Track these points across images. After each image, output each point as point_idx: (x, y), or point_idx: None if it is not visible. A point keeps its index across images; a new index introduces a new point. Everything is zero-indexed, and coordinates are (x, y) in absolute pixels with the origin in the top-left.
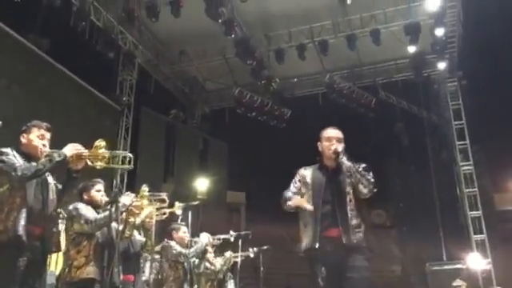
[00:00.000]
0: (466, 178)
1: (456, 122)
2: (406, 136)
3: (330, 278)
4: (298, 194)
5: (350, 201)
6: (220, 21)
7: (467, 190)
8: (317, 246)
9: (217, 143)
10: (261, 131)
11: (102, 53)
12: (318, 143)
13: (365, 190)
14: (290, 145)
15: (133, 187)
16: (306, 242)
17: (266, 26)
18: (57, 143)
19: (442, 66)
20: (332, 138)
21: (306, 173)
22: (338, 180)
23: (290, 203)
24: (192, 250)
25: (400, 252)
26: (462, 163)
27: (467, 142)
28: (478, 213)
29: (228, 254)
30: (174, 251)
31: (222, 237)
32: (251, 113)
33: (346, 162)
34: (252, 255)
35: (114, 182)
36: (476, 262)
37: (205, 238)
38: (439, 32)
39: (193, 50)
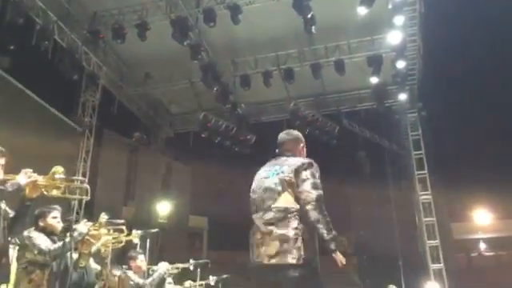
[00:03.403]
0: (425, 207)
1: (415, 152)
2: (368, 164)
3: None
4: None
5: None
6: (185, 44)
7: (425, 219)
8: None
9: (180, 167)
10: (225, 156)
11: (65, 73)
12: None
13: None
14: (254, 171)
15: (91, 210)
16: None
17: (233, 51)
18: (14, 164)
19: (402, 97)
20: None
21: None
22: None
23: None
24: (150, 279)
25: (360, 280)
26: (420, 192)
27: (426, 171)
28: (436, 242)
29: (187, 283)
30: (132, 282)
31: (181, 266)
32: (216, 137)
33: None
34: (212, 283)
35: (72, 203)
36: None
37: (163, 266)
38: (400, 64)
39: (158, 73)
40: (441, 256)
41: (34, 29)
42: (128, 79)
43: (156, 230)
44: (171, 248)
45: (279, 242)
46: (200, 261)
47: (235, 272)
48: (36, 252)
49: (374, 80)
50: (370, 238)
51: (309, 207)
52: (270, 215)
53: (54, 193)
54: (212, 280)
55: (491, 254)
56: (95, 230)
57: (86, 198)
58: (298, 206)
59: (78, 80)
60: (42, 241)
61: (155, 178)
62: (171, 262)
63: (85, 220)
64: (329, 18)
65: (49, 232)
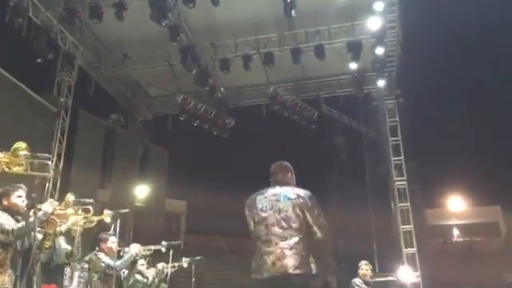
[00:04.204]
0: (400, 192)
1: (392, 139)
2: (346, 150)
3: None
4: None
5: None
6: (164, 24)
7: (400, 205)
8: None
9: (157, 150)
10: (203, 140)
11: (40, 52)
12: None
13: None
14: (232, 154)
15: (66, 193)
16: None
17: (213, 34)
18: None
19: (381, 83)
20: None
21: None
22: None
23: None
24: (120, 261)
25: (336, 264)
26: (396, 178)
27: (402, 158)
28: (410, 227)
29: (160, 265)
30: (102, 264)
31: (153, 247)
32: (195, 121)
33: None
34: (185, 265)
35: (47, 185)
36: (406, 274)
37: (134, 248)
38: (379, 51)
39: (137, 54)
40: (414, 241)
41: (7, 5)
42: (105, 60)
43: (127, 210)
44: (148, 231)
45: (298, 256)
46: (172, 242)
47: (213, 255)
48: None
49: (353, 66)
50: (346, 222)
51: (319, 235)
52: (286, 233)
53: (16, 169)
54: (185, 262)
55: (464, 239)
56: (61, 209)
57: (48, 176)
58: (306, 229)
59: (54, 59)
60: (5, 220)
61: (132, 160)
62: (147, 245)
63: (51, 200)
64: (309, 2)
65: (13, 211)
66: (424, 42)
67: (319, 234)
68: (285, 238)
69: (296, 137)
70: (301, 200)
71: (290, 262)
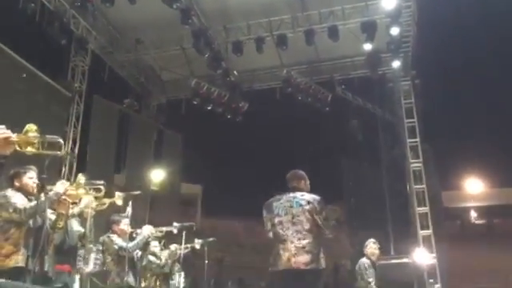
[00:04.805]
0: (416, 174)
1: (408, 120)
2: (360, 132)
3: None
4: None
5: None
6: (175, 6)
7: (416, 187)
8: None
9: (172, 134)
10: (217, 123)
11: (53, 37)
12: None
13: None
14: (246, 138)
15: None
16: None
17: (225, 17)
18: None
19: (396, 64)
20: None
21: None
22: None
23: None
24: (133, 243)
25: (351, 246)
26: (411, 160)
27: (417, 139)
28: (426, 209)
29: (173, 246)
30: (115, 246)
31: (165, 229)
32: (208, 105)
33: None
34: (198, 246)
35: (63, 170)
36: (422, 256)
37: (146, 230)
38: (394, 31)
39: (149, 38)
40: (430, 223)
41: None
42: (118, 44)
43: (138, 192)
44: (164, 215)
45: (310, 254)
46: (184, 223)
47: (229, 238)
48: (11, 210)
49: (367, 47)
50: (360, 205)
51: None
52: (299, 235)
53: (29, 149)
54: (197, 243)
55: (482, 222)
56: (72, 190)
57: (59, 154)
58: (317, 230)
59: (67, 45)
60: (18, 199)
61: (146, 145)
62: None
63: (62, 180)
64: None
65: (25, 192)
66: (440, 21)
67: (327, 234)
68: (298, 239)
69: (310, 120)
70: (311, 205)
71: (303, 259)
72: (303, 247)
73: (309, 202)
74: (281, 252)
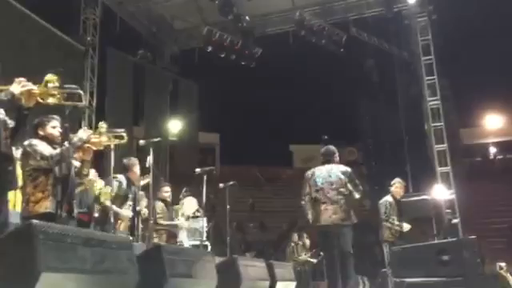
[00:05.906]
0: (434, 112)
1: (425, 58)
2: (376, 73)
3: None
4: None
5: None
6: None
7: (434, 125)
8: None
9: (187, 84)
10: (231, 71)
11: None
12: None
13: None
14: (261, 84)
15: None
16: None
17: None
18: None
19: (412, 0)
20: None
21: None
22: None
23: None
24: None
25: (369, 187)
26: (429, 98)
27: (435, 77)
28: (444, 146)
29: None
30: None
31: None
32: (221, 52)
33: None
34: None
35: (82, 124)
36: (440, 192)
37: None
38: None
39: None
40: (448, 160)
41: None
42: None
43: (158, 139)
44: (183, 164)
45: (345, 212)
46: (206, 168)
47: (249, 184)
48: (39, 158)
49: None
50: (378, 145)
51: (357, 197)
52: (337, 197)
53: (50, 100)
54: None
55: (501, 157)
56: (95, 138)
57: (81, 105)
58: (349, 193)
59: None
60: (44, 147)
61: (163, 95)
62: (184, 177)
63: (84, 127)
64: None
65: (49, 140)
66: None
67: (357, 196)
68: (336, 200)
69: (325, 62)
70: (344, 175)
71: (341, 215)
72: (340, 206)
73: (343, 173)
74: (323, 211)
